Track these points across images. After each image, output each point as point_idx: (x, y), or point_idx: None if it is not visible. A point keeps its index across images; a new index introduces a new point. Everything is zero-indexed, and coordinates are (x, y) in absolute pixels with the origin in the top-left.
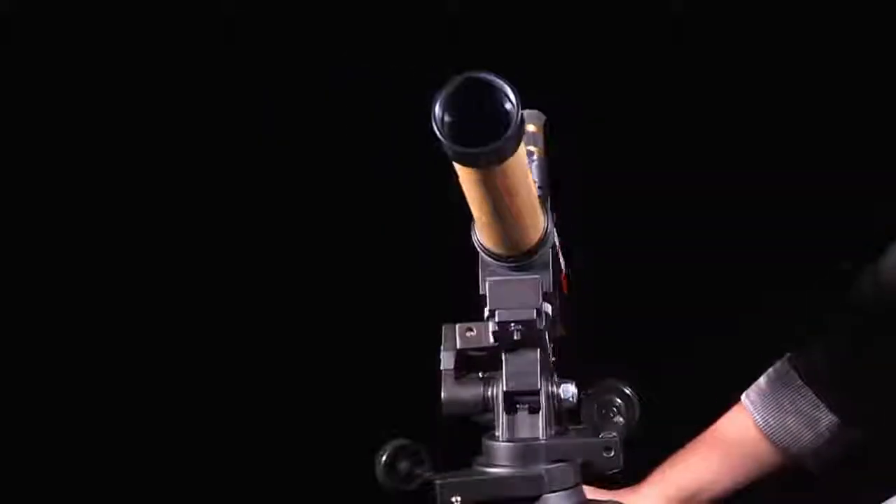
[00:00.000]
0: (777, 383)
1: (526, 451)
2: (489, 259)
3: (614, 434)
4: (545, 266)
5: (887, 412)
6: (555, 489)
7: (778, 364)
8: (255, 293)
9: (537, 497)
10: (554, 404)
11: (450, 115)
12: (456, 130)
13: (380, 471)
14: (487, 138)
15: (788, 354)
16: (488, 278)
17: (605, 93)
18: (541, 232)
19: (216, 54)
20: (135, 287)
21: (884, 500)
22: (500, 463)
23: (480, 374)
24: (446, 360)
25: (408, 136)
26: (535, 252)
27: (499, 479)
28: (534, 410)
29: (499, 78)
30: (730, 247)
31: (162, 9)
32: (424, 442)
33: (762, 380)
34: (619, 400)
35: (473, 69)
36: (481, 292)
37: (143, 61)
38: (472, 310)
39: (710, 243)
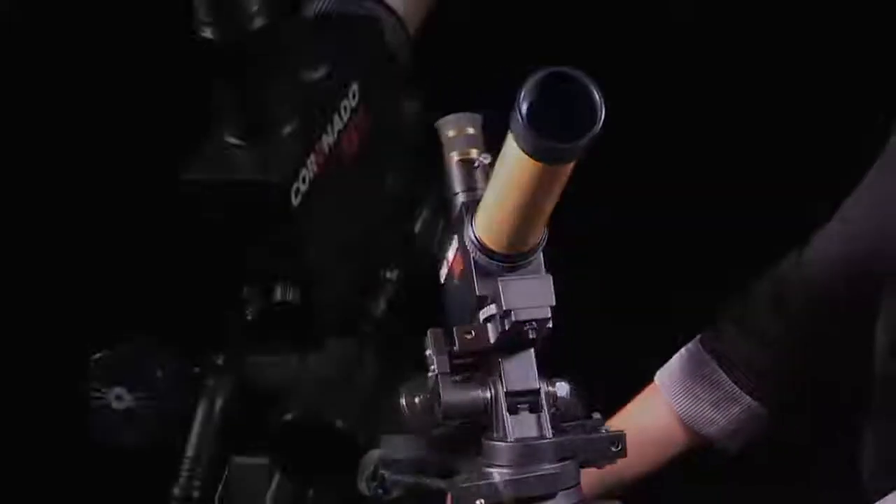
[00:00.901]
0: (691, 365)
1: (537, 450)
2: (484, 259)
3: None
4: (540, 266)
5: (806, 396)
6: (564, 487)
7: (691, 345)
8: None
9: (552, 495)
10: (551, 402)
11: (532, 107)
12: (540, 123)
13: (361, 480)
14: (570, 135)
15: (700, 336)
16: (500, 278)
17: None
18: (542, 233)
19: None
20: (130, 283)
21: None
22: (510, 463)
23: (458, 378)
24: (441, 364)
25: None
26: (534, 252)
27: (518, 480)
28: (534, 409)
29: (584, 76)
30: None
31: (162, 9)
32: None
33: (675, 362)
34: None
35: (562, 65)
36: (479, 293)
37: (144, 61)
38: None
39: (709, 243)
